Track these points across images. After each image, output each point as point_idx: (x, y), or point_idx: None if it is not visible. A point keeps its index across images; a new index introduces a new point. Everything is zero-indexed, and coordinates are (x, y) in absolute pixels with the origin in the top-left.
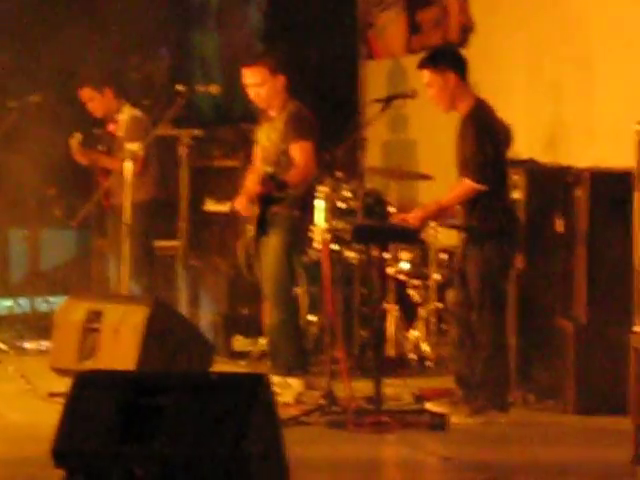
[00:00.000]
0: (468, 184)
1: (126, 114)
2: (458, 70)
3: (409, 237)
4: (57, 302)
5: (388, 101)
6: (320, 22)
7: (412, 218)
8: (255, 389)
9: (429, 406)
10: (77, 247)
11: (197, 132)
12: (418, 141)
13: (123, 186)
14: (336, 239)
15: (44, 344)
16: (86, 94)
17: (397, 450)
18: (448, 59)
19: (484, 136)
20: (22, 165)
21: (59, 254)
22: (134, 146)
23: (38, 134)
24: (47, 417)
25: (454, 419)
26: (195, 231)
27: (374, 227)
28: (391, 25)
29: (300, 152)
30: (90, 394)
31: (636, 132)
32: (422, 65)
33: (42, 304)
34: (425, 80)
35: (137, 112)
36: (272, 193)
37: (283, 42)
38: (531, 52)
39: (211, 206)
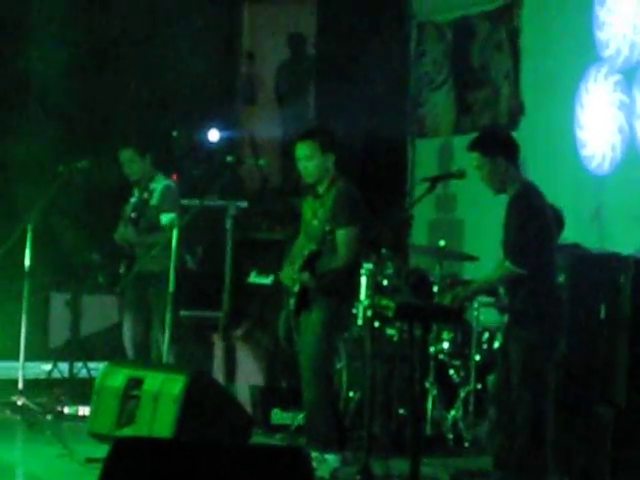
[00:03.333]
0: (508, 267)
1: (160, 183)
2: (508, 155)
3: (452, 317)
4: (96, 368)
5: (436, 180)
6: (371, 100)
7: (456, 298)
8: (294, 462)
9: None
10: (118, 313)
11: (243, 204)
12: (465, 220)
13: (150, 255)
14: (379, 316)
15: (82, 409)
16: (127, 155)
17: None
18: (498, 143)
19: (528, 220)
20: (67, 230)
21: (100, 320)
22: (169, 216)
23: (84, 200)
24: None
25: None
26: (237, 302)
27: (417, 305)
28: (441, 105)
29: (346, 239)
30: (128, 461)
31: None
32: (472, 147)
33: (81, 369)
34: (475, 163)
35: (170, 182)
36: (314, 273)
37: (334, 120)
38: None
39: (254, 278)
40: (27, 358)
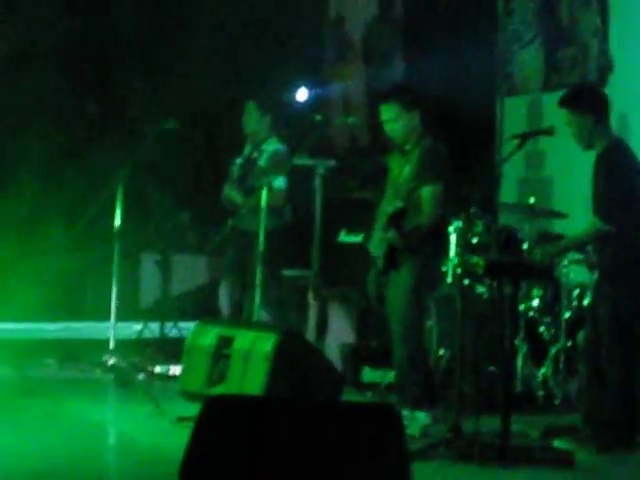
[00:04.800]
0: (596, 224)
1: (272, 145)
2: (596, 111)
3: (542, 274)
4: (187, 327)
5: (526, 137)
6: (459, 58)
7: (545, 253)
8: (385, 420)
9: (557, 443)
10: (208, 273)
11: (333, 163)
12: (554, 178)
13: (254, 213)
14: (469, 274)
15: (173, 369)
16: (251, 107)
17: None
18: (588, 100)
19: (615, 177)
20: (157, 191)
21: (190, 280)
22: (277, 181)
23: (173, 160)
24: (175, 441)
25: (581, 456)
26: (328, 261)
27: (507, 263)
28: (530, 62)
29: (431, 197)
30: (219, 419)
31: None
32: (562, 104)
33: (172, 329)
34: (565, 119)
35: (282, 146)
36: (402, 231)
37: (422, 78)
38: None
39: (345, 237)
40: (118, 318)
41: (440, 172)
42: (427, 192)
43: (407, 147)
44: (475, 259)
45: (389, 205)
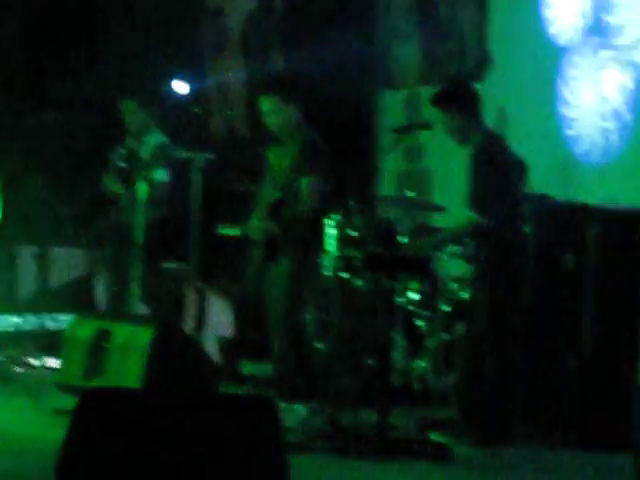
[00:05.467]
0: (473, 218)
1: (154, 138)
2: (467, 108)
3: (419, 267)
4: (64, 320)
5: (404, 132)
6: (338, 51)
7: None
8: (262, 412)
9: (433, 436)
10: (86, 265)
11: (211, 156)
12: (433, 171)
13: (133, 206)
14: (347, 267)
15: (51, 361)
16: (130, 106)
17: (400, 478)
18: (457, 98)
19: (490, 171)
20: (36, 182)
21: (68, 272)
22: (159, 174)
23: (52, 152)
24: (53, 433)
25: (457, 450)
26: (206, 254)
27: (385, 256)
28: (408, 56)
29: (309, 189)
30: (96, 412)
31: None
32: (433, 102)
33: (50, 321)
34: (439, 116)
35: (165, 138)
36: (280, 223)
37: (302, 71)
38: (544, 84)
39: (223, 230)
40: None
41: (318, 165)
42: (305, 184)
43: (286, 139)
44: (354, 252)
45: (268, 196)
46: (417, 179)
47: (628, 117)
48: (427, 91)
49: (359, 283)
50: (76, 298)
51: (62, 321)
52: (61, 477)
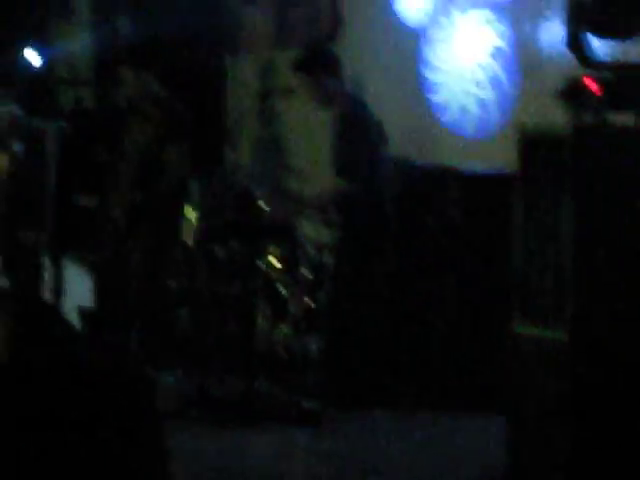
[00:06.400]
0: (338, 182)
1: (7, 109)
2: (331, 71)
3: (281, 233)
4: None
5: (267, 96)
6: (186, 16)
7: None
8: (137, 383)
9: (303, 403)
10: None
11: (66, 125)
12: (288, 137)
13: None
14: (208, 234)
15: None
16: None
17: (269, 444)
18: (321, 61)
19: (354, 135)
20: None
21: None
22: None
23: None
24: None
25: (327, 415)
26: (63, 224)
27: (246, 223)
28: (258, 20)
29: (173, 157)
30: None
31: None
32: (296, 67)
33: None
34: (297, 82)
35: (18, 109)
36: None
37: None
38: (395, 48)
39: (81, 200)
40: None
41: (181, 133)
42: (168, 153)
43: (146, 109)
44: (214, 219)
45: (129, 167)
46: (273, 144)
47: (507, 86)
48: (280, 56)
49: (220, 250)
50: None
51: None
52: None
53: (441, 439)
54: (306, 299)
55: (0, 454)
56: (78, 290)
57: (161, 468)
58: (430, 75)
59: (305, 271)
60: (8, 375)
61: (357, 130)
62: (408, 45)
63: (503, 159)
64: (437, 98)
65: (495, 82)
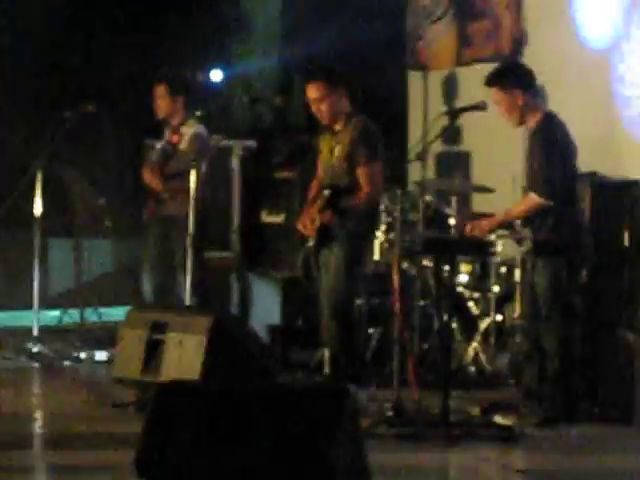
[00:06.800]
0: (535, 199)
1: (191, 128)
2: (525, 86)
3: (481, 250)
4: (106, 313)
5: (458, 113)
6: (370, 32)
7: (481, 229)
8: (341, 401)
9: (497, 418)
10: (126, 258)
11: (250, 143)
12: (471, 153)
13: (176, 198)
14: (406, 251)
15: (99, 354)
16: (161, 91)
17: (469, 462)
18: (515, 75)
19: (552, 150)
20: (73, 175)
21: (108, 265)
22: (196, 163)
23: (91, 144)
24: (116, 427)
25: (523, 431)
26: (250, 242)
27: (444, 239)
28: (441, 37)
29: (368, 176)
30: (173, 405)
31: None
32: (490, 83)
33: (91, 315)
34: (493, 98)
35: (202, 128)
36: (335, 210)
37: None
38: (582, 62)
39: (266, 218)
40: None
41: (374, 150)
42: (364, 172)
43: (337, 127)
44: (410, 236)
45: (323, 189)
46: (456, 161)
47: None
48: (463, 72)
49: (411, 268)
50: (117, 291)
51: (104, 314)
52: (142, 471)
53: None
54: (495, 315)
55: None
56: (265, 307)
57: (363, 478)
58: (622, 89)
59: (495, 287)
60: (222, 394)
61: (554, 147)
62: (598, 61)
63: None
64: (630, 112)
65: None
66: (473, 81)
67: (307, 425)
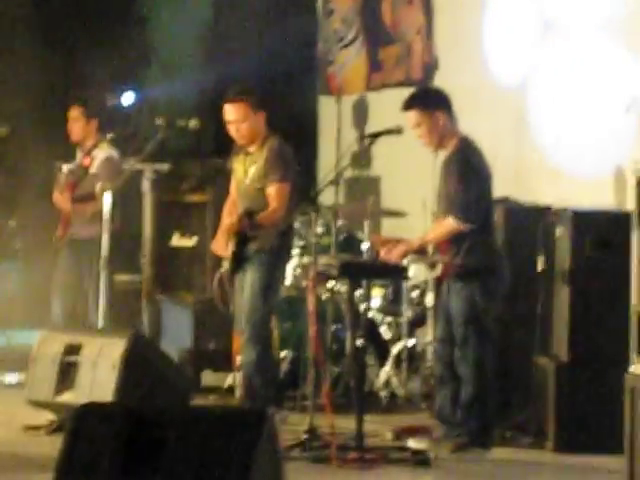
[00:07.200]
0: (452, 223)
1: (103, 152)
2: (446, 109)
3: (397, 274)
4: (15, 335)
5: (376, 137)
6: (281, 57)
7: (398, 254)
8: (259, 424)
9: (411, 443)
10: (37, 280)
11: (161, 166)
12: (381, 177)
13: (85, 221)
14: (319, 274)
15: (9, 376)
16: (75, 113)
17: None
18: (436, 99)
19: (470, 175)
20: None
21: (18, 287)
22: (106, 186)
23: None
24: (26, 450)
25: (436, 456)
26: (161, 265)
27: (362, 263)
28: (352, 62)
29: (278, 194)
30: (91, 427)
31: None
32: (409, 106)
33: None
34: (412, 121)
35: (113, 152)
36: (248, 232)
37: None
38: (494, 89)
39: (177, 241)
40: None
41: (287, 171)
42: (272, 190)
43: (252, 148)
44: (326, 260)
45: (233, 207)
46: (366, 185)
47: None
48: (372, 97)
49: (323, 292)
50: (28, 313)
51: (12, 337)
52: None
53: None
54: (408, 339)
55: None
56: (176, 331)
57: None
58: (535, 116)
59: (407, 311)
60: (141, 416)
61: (471, 171)
62: (510, 87)
63: None
64: (542, 139)
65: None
66: (383, 106)
67: (227, 449)
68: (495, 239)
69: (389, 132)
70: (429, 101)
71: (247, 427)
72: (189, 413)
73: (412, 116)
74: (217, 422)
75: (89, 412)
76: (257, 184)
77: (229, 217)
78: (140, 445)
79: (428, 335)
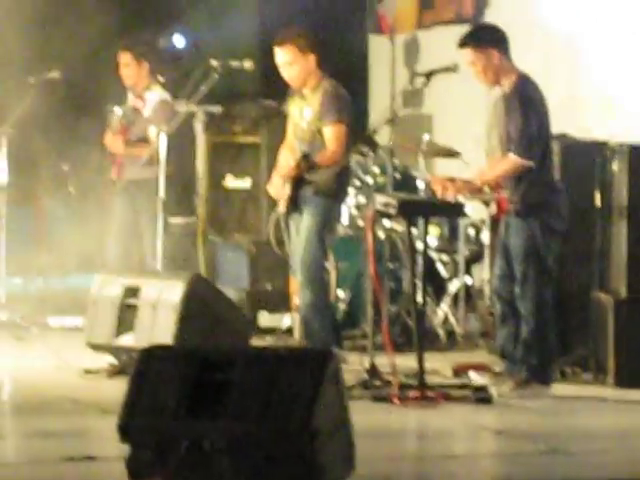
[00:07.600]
0: (514, 160)
1: (156, 95)
2: (501, 46)
3: (455, 212)
4: (70, 280)
5: (431, 75)
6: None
7: (457, 191)
8: (324, 364)
9: (473, 377)
10: (92, 224)
11: (214, 108)
12: (433, 116)
13: (138, 163)
14: (379, 213)
15: (66, 320)
16: (125, 58)
17: (446, 423)
18: (490, 36)
19: (531, 111)
20: (38, 141)
21: (74, 231)
22: (162, 128)
23: (55, 110)
24: (87, 393)
25: (498, 392)
26: (216, 207)
27: (420, 201)
28: (402, 0)
29: (334, 136)
30: (156, 369)
31: None
32: (464, 43)
33: (58, 283)
34: (468, 58)
35: (166, 95)
36: (305, 175)
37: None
38: (546, 26)
39: (231, 182)
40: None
41: (342, 112)
42: (329, 132)
43: (306, 91)
44: (384, 199)
45: (289, 150)
46: (417, 124)
47: None
48: (423, 35)
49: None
50: (83, 258)
51: (68, 281)
52: (125, 435)
53: (614, 415)
54: (465, 277)
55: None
56: (232, 272)
57: (346, 440)
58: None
59: (463, 249)
60: (206, 357)
61: (531, 107)
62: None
63: None
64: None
65: None
66: (435, 43)
67: (291, 389)
68: (554, 175)
69: (444, 70)
70: (483, 38)
71: (311, 367)
72: (253, 354)
73: (467, 53)
74: (282, 362)
75: (154, 354)
76: (313, 126)
77: (285, 159)
78: (206, 386)
79: (485, 273)
